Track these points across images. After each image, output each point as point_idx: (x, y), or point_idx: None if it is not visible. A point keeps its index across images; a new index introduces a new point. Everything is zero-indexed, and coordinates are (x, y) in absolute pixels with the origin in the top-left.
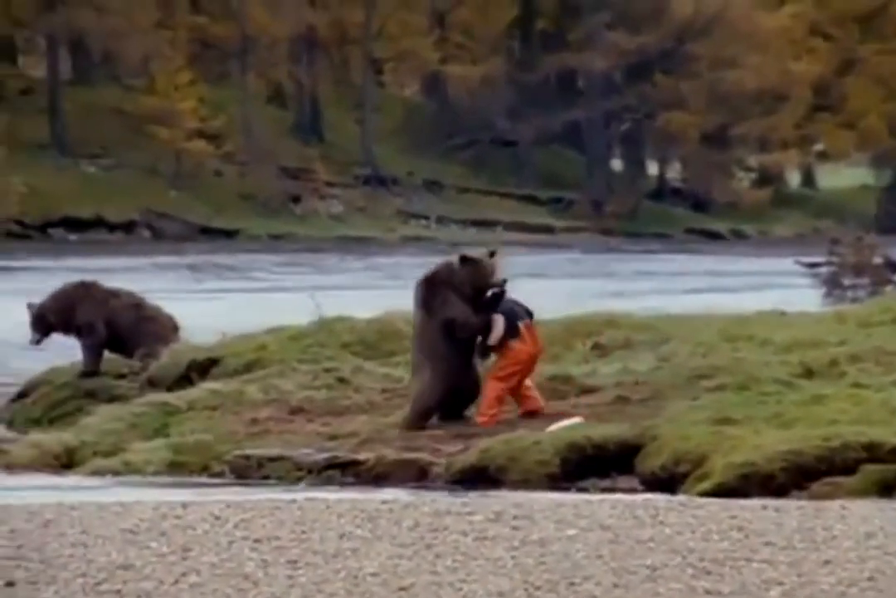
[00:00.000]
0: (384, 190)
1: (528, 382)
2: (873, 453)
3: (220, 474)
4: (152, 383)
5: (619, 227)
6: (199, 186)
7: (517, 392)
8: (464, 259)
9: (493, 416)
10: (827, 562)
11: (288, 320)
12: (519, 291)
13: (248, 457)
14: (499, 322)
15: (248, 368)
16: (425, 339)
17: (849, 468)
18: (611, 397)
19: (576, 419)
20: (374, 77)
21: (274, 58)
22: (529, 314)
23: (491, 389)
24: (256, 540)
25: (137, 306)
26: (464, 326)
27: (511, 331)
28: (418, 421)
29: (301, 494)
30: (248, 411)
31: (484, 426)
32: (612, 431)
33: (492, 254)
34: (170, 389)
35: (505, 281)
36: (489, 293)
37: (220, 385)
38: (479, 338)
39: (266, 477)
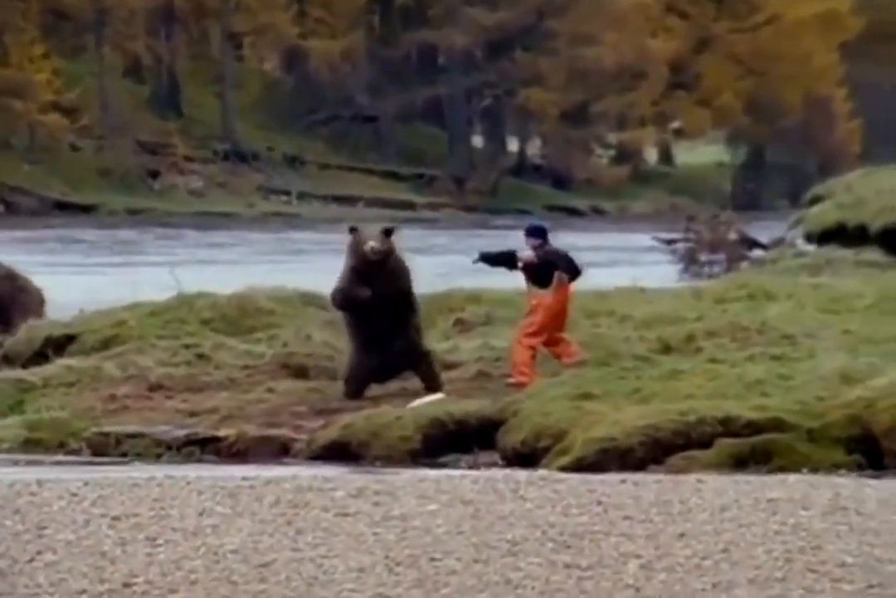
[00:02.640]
0: (244, 165)
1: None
2: (728, 427)
3: (76, 452)
4: (7, 360)
5: (481, 203)
6: (54, 161)
7: (554, 344)
8: (351, 229)
9: (529, 374)
10: (683, 535)
11: (147, 297)
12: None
13: (106, 434)
14: (527, 252)
15: (106, 344)
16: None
17: (705, 443)
18: (472, 372)
19: (437, 395)
20: (234, 51)
21: (131, 31)
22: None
23: (520, 343)
24: (114, 518)
25: (11, 276)
26: (333, 296)
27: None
28: (348, 393)
29: (160, 471)
30: (106, 388)
31: (521, 387)
32: (473, 406)
33: (387, 231)
34: (24, 365)
35: (372, 249)
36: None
37: (78, 362)
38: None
39: (124, 454)
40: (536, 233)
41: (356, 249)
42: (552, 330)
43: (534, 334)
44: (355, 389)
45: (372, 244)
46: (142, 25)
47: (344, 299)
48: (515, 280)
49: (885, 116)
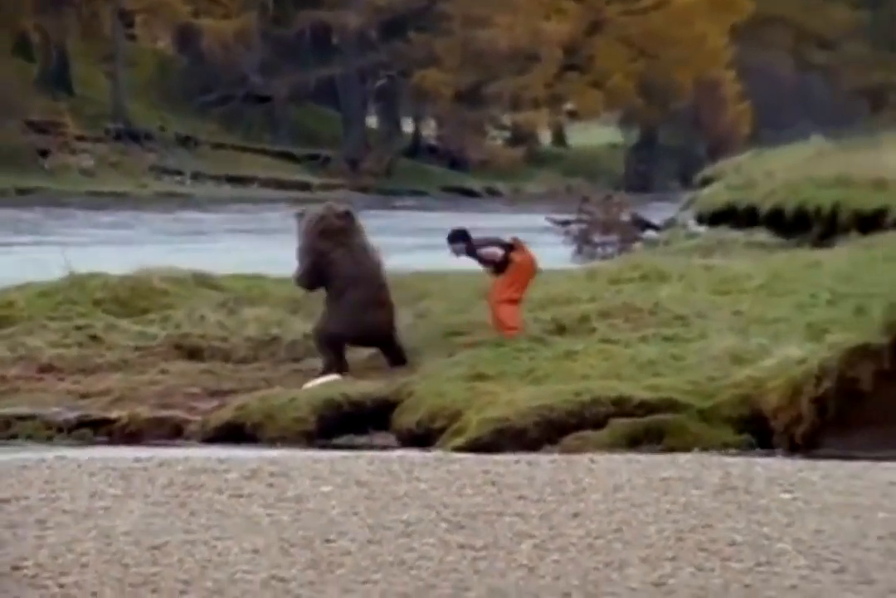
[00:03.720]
0: (136, 145)
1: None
2: (622, 407)
3: None
4: None
5: (376, 184)
6: None
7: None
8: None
9: (519, 326)
10: (576, 515)
11: (37, 277)
12: (273, 248)
13: None
14: (489, 249)
15: None
16: None
17: (598, 423)
18: (367, 353)
19: (332, 376)
20: (125, 30)
21: (20, 8)
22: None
23: (501, 304)
24: (3, 500)
25: None
26: (299, 280)
27: (506, 247)
28: (327, 365)
29: (50, 453)
30: None
31: (511, 336)
32: (368, 388)
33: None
34: None
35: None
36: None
37: None
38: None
39: (14, 436)
40: (460, 238)
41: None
42: (521, 288)
43: (509, 292)
44: (331, 359)
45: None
46: (30, 3)
47: (310, 283)
48: (411, 261)
49: (772, 98)
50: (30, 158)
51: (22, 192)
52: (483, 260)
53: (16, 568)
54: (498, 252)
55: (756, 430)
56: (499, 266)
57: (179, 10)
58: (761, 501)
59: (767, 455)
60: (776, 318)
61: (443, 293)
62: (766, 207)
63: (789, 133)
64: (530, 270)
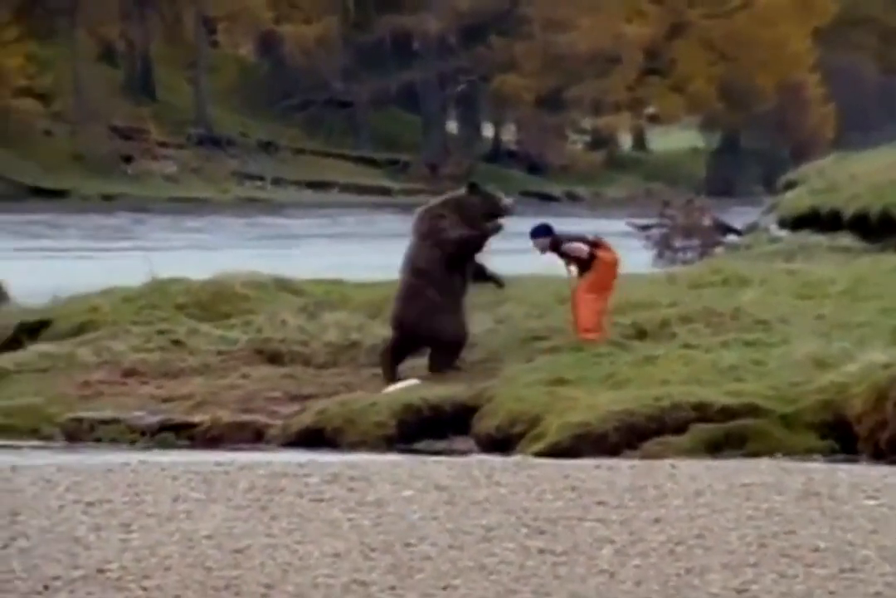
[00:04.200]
0: (218, 151)
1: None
2: (702, 412)
3: (50, 438)
4: None
5: (455, 188)
6: (28, 146)
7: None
8: (472, 186)
9: (598, 330)
10: (657, 520)
11: (121, 282)
12: (354, 252)
13: (80, 420)
14: (574, 244)
15: (80, 330)
16: (430, 271)
17: (679, 428)
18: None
19: (413, 381)
20: (208, 36)
21: (104, 14)
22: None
23: (585, 304)
24: (88, 504)
25: None
26: (455, 241)
27: (591, 244)
28: (451, 362)
29: (134, 456)
30: (80, 374)
31: (594, 342)
32: (448, 392)
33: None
34: None
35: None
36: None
37: (51, 348)
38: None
39: (98, 440)
40: (543, 232)
41: (486, 204)
42: (606, 288)
43: (595, 291)
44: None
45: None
46: (115, 9)
47: (475, 244)
48: (492, 265)
49: (857, 101)
50: (114, 164)
51: (106, 197)
52: (567, 256)
53: (100, 571)
54: (584, 248)
55: (840, 436)
56: (583, 264)
57: (261, 17)
58: (845, 507)
59: (851, 461)
60: (860, 322)
61: (522, 298)
62: (849, 211)
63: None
64: (615, 268)
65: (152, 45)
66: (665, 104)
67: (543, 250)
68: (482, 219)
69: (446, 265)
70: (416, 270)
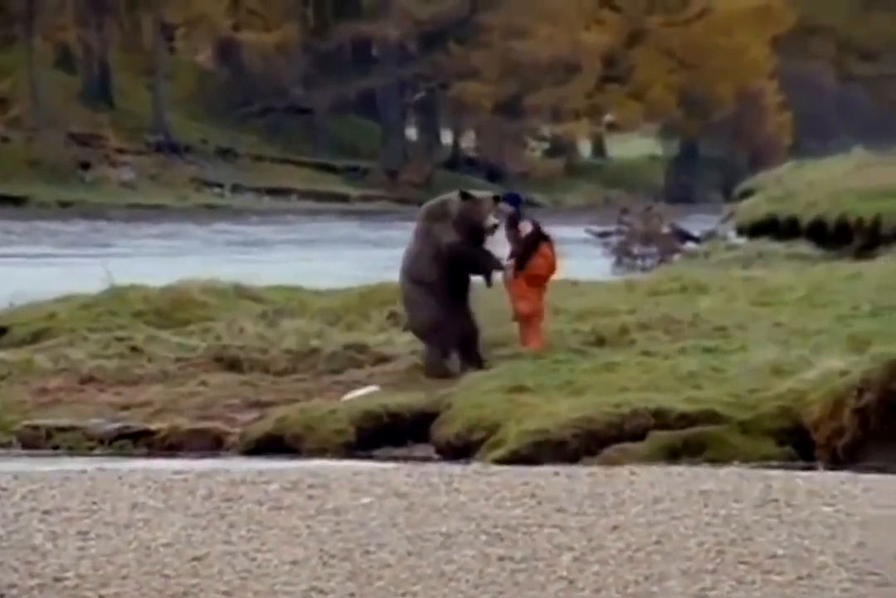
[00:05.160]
0: (177, 157)
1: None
2: (661, 419)
3: (7, 445)
4: None
5: (414, 195)
6: None
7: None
8: (464, 195)
9: (538, 336)
10: (616, 527)
11: (79, 289)
12: (313, 259)
13: (37, 427)
14: (526, 226)
15: (37, 337)
16: (421, 271)
17: (638, 435)
18: (406, 365)
19: (372, 388)
20: (166, 42)
21: (61, 21)
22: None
23: (521, 298)
24: (45, 512)
25: None
26: (452, 247)
27: (542, 235)
28: (438, 367)
29: (92, 464)
30: (37, 381)
31: (536, 350)
32: (407, 399)
33: (495, 198)
34: None
35: (495, 226)
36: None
37: (7, 355)
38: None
39: (56, 448)
40: (513, 200)
41: (471, 215)
42: (539, 282)
43: (531, 279)
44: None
45: (494, 221)
46: (72, 15)
47: (460, 253)
48: None
49: (814, 109)
50: (71, 171)
51: (64, 204)
52: (516, 238)
53: (57, 579)
54: (529, 225)
55: (797, 442)
56: (520, 258)
57: (220, 24)
58: (802, 514)
59: (809, 468)
60: (818, 329)
61: (479, 305)
62: (807, 218)
63: (831, 144)
64: (553, 266)
65: (110, 52)
66: (624, 111)
67: (505, 215)
68: (468, 229)
69: (444, 269)
70: (414, 276)
